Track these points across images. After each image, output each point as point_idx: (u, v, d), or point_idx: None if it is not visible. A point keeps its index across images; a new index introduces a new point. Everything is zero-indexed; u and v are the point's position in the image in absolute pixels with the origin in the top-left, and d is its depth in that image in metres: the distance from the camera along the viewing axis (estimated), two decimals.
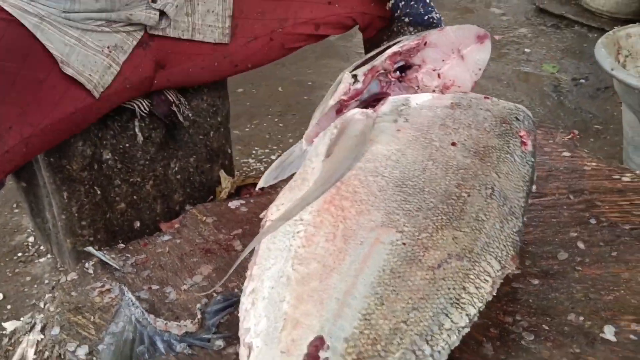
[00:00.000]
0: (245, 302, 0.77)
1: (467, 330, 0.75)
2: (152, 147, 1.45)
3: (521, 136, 0.94)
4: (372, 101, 1.10)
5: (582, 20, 3.25)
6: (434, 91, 1.11)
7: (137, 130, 1.41)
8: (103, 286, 0.97)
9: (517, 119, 0.97)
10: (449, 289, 0.76)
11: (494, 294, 0.79)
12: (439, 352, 0.72)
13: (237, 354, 0.84)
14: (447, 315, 0.74)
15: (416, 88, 1.12)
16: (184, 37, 1.28)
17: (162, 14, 1.21)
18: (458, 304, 0.75)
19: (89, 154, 1.37)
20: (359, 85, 1.08)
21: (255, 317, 0.74)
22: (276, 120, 2.51)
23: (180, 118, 1.43)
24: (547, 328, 0.87)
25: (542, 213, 1.08)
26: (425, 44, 1.11)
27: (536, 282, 0.95)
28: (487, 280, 0.79)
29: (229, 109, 1.64)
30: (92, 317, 0.92)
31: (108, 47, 1.22)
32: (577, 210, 1.08)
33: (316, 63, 2.89)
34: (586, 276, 0.96)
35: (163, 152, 1.48)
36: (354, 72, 1.09)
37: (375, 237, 0.78)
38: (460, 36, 1.11)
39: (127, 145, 1.42)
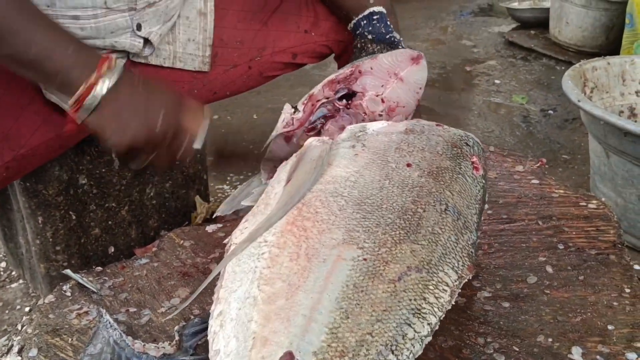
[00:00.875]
0: (213, 324, 0.79)
1: (429, 338, 0.78)
2: (128, 172, 1.47)
3: (473, 162, 0.99)
4: (321, 125, 1.17)
5: (550, 53, 3.34)
6: (380, 115, 1.18)
7: (113, 155, 1.41)
8: (81, 308, 0.98)
9: (467, 144, 1.02)
10: (410, 300, 0.79)
11: (453, 303, 0.83)
12: None
13: None
14: (409, 325, 0.77)
15: (363, 114, 1.18)
16: (165, 65, 1.30)
17: (146, 41, 1.23)
18: (420, 314, 0.78)
19: (65, 179, 1.38)
20: (299, 115, 1.14)
21: (224, 338, 0.76)
22: (251, 147, 2.53)
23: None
24: (517, 349, 0.90)
25: (512, 238, 1.11)
26: (359, 72, 1.17)
27: (507, 304, 0.98)
28: (445, 290, 0.82)
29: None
30: (70, 339, 0.92)
31: None
32: (545, 236, 1.12)
33: (291, 91, 2.92)
34: (555, 299, 0.98)
35: (139, 178, 1.50)
36: (294, 105, 1.15)
37: (337, 254, 0.81)
38: (395, 61, 1.17)
39: (103, 170, 1.43)
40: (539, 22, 3.64)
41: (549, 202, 1.20)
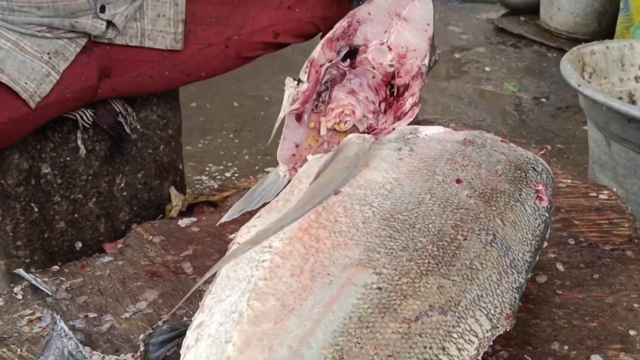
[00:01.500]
0: (189, 336, 0.68)
1: None
2: (95, 161, 1.37)
3: (537, 190, 0.86)
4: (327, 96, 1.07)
5: (541, 40, 3.28)
6: (391, 66, 1.05)
7: (79, 142, 1.33)
8: (33, 314, 0.87)
9: (534, 169, 0.88)
10: (425, 347, 0.65)
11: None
12: None
13: None
14: None
15: (371, 69, 1.06)
16: (132, 44, 1.21)
17: (110, 23, 1.14)
18: None
19: (25, 168, 1.29)
20: (305, 86, 1.03)
21: (195, 356, 0.65)
22: (231, 136, 2.43)
23: (127, 130, 1.35)
24: (529, 359, 0.80)
25: None
26: (357, 21, 1.05)
27: None
28: (472, 342, 0.68)
29: (181, 122, 1.56)
30: (19, 350, 0.82)
31: (48, 53, 1.14)
32: (554, 230, 1.02)
33: (273, 78, 2.82)
34: (568, 301, 0.89)
35: (108, 167, 1.41)
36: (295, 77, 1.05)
37: (348, 277, 0.68)
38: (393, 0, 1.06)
39: (68, 158, 1.34)
40: (529, 8, 3.57)
41: (555, 192, 1.10)
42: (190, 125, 2.38)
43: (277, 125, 1.04)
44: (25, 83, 1.08)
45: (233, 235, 0.81)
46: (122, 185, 1.45)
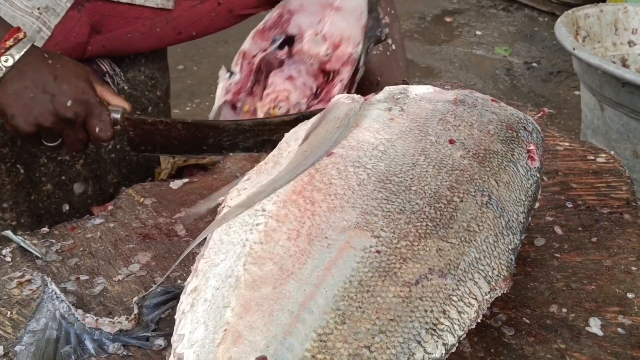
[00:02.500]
0: (184, 302, 0.66)
1: None
2: None
3: (529, 150, 0.84)
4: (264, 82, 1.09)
5: (532, 4, 3.24)
6: (326, 56, 1.06)
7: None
8: (22, 276, 0.85)
9: (525, 129, 0.87)
10: (426, 311, 0.64)
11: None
12: None
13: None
14: (419, 343, 0.63)
15: (309, 59, 1.07)
16: (123, 1, 1.17)
17: None
18: (435, 330, 0.64)
19: None
20: (237, 77, 1.06)
21: (192, 322, 0.63)
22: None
23: (114, 90, 1.31)
24: (527, 321, 0.79)
25: None
26: (289, 11, 1.06)
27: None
28: (471, 305, 0.67)
29: (169, 84, 1.52)
30: (9, 313, 0.80)
31: (38, 9, 1.11)
32: (552, 193, 1.01)
33: None
34: (566, 264, 0.88)
35: None
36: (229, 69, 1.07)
37: (346, 240, 0.67)
38: None
39: None
40: None
41: (553, 155, 1.09)
42: (178, 88, 2.34)
43: (211, 115, 1.08)
44: None
45: (221, 198, 0.79)
46: (110, 147, 1.42)
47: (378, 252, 0.66)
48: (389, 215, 0.70)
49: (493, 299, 0.70)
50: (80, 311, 0.77)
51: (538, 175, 0.83)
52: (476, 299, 0.68)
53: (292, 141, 0.82)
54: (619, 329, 0.78)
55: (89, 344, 0.75)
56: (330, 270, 0.64)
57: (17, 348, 0.74)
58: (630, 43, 2.00)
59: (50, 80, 0.94)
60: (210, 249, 0.69)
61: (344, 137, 0.78)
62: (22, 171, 1.30)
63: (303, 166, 0.75)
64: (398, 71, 1.35)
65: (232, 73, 1.06)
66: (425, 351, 0.62)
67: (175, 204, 1.00)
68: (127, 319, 0.77)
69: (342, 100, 0.85)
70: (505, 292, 0.71)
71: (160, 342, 0.76)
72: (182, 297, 0.67)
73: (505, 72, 2.55)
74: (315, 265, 0.64)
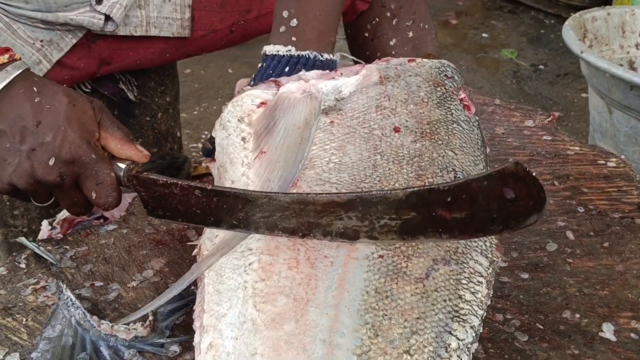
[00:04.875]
0: None
1: (475, 346, 0.65)
2: None
3: (462, 99, 0.83)
4: None
5: (539, 6, 3.22)
6: None
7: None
8: (37, 283, 0.85)
9: (448, 77, 0.85)
10: (444, 300, 0.65)
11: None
12: None
13: None
14: (450, 332, 0.63)
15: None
16: (137, 34, 1.13)
17: (108, 17, 1.07)
18: (459, 316, 0.64)
19: None
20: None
21: None
22: (227, 103, 2.39)
23: (131, 96, 1.30)
24: (541, 327, 0.79)
25: None
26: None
27: (525, 275, 0.87)
28: (480, 283, 0.68)
29: (179, 89, 1.52)
30: (25, 320, 0.80)
31: (41, 41, 1.07)
32: (563, 198, 1.01)
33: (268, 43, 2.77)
34: (578, 269, 0.88)
35: None
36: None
37: (346, 254, 0.66)
38: None
39: None
40: None
41: (564, 160, 1.09)
42: (185, 92, 2.34)
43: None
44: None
45: (195, 251, 0.77)
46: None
47: (381, 256, 0.66)
48: None
49: (495, 272, 0.71)
50: (95, 318, 0.77)
51: (477, 118, 0.82)
52: (482, 276, 0.69)
53: (227, 164, 0.76)
54: (632, 334, 0.78)
55: (105, 351, 0.75)
56: (343, 286, 0.63)
57: (33, 355, 0.74)
58: (638, 46, 2.00)
59: (32, 127, 0.72)
60: (208, 302, 0.67)
61: (306, 157, 0.73)
62: None
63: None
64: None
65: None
66: (458, 339, 0.63)
67: None
68: (142, 325, 0.77)
69: (296, 97, 0.78)
70: (500, 261, 0.72)
71: (175, 348, 0.76)
72: (200, 358, 0.64)
73: (512, 75, 2.55)
74: (328, 286, 0.63)
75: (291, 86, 0.81)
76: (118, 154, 0.78)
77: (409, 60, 0.87)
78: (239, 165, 0.76)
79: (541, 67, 2.64)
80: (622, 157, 1.09)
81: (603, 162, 1.08)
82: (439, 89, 0.83)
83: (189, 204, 0.72)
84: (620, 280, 0.86)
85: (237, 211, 0.69)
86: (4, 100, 0.73)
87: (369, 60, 0.93)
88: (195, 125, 2.24)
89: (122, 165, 0.77)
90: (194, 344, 0.66)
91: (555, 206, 0.99)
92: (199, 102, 2.40)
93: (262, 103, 0.80)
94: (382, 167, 0.74)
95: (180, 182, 0.72)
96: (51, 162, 0.72)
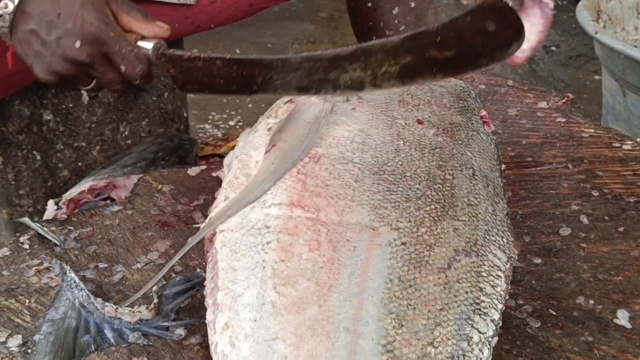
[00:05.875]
0: (219, 341, 0.61)
1: (495, 340, 0.63)
2: (98, 108, 1.35)
3: (482, 116, 0.85)
4: None
5: None
6: None
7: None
8: (41, 264, 0.84)
9: (470, 97, 0.88)
10: (466, 292, 0.63)
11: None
12: None
13: (199, 344, 0.72)
14: (473, 326, 0.62)
15: None
16: None
17: None
18: (480, 309, 0.63)
19: (27, 115, 1.27)
20: None
21: None
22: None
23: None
24: (554, 313, 0.77)
25: (539, 184, 0.98)
26: None
27: (538, 260, 0.85)
28: (499, 277, 0.67)
29: None
30: (28, 301, 0.79)
31: None
32: (577, 181, 0.99)
33: (276, 24, 2.75)
34: (592, 254, 0.86)
35: (111, 115, 1.38)
36: None
37: (369, 239, 0.65)
38: None
39: (70, 105, 1.31)
40: None
41: (578, 142, 1.06)
42: None
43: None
44: None
45: (204, 224, 0.75)
46: (126, 133, 1.42)
47: (404, 244, 0.65)
48: (399, 206, 0.68)
49: (512, 267, 0.70)
50: (99, 300, 0.76)
51: (494, 138, 0.85)
52: (501, 270, 0.68)
53: (251, 151, 0.79)
54: None
55: (109, 333, 0.74)
56: (366, 273, 0.62)
57: (36, 337, 0.73)
58: None
59: (54, 19, 0.82)
60: (223, 279, 0.65)
61: (314, 143, 0.75)
62: (38, 158, 1.30)
63: (280, 171, 0.72)
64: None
65: None
66: (479, 332, 0.62)
67: (193, 191, 0.98)
68: (146, 308, 0.76)
69: (312, 100, 0.82)
70: (516, 258, 0.71)
71: (180, 331, 0.74)
72: (215, 337, 0.62)
73: None
74: (351, 272, 0.62)
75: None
76: (145, 33, 0.85)
77: None
78: (263, 149, 0.78)
79: (553, 48, 2.60)
80: (639, 139, 1.07)
81: (618, 144, 1.06)
82: (461, 101, 0.85)
83: (213, 75, 0.80)
84: (635, 266, 0.84)
85: (255, 76, 0.77)
86: (27, 3, 0.82)
87: (371, 32, 0.97)
88: (202, 105, 2.22)
89: (150, 45, 0.85)
90: (206, 321, 0.65)
91: (569, 190, 0.97)
92: None
93: (290, 100, 0.85)
94: (405, 152, 0.74)
95: (202, 55, 0.81)
96: (77, 44, 0.82)
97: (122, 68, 0.84)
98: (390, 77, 0.68)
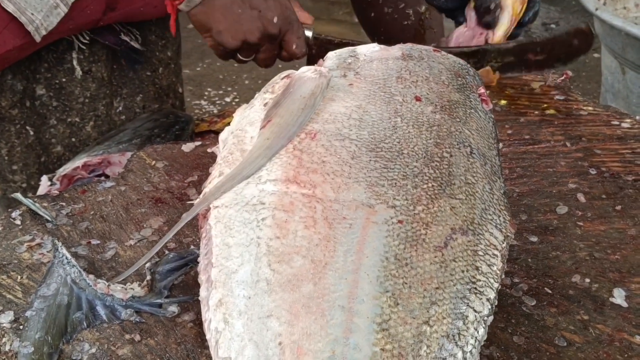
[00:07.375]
0: (212, 318, 0.60)
1: (491, 319, 0.63)
2: (92, 83, 1.33)
3: (480, 94, 0.84)
4: None
5: None
6: None
7: (75, 63, 1.30)
8: (33, 240, 0.83)
9: (469, 74, 0.87)
10: (462, 271, 0.63)
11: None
12: (471, 352, 0.60)
13: (193, 322, 0.72)
14: (468, 305, 0.61)
15: None
16: None
17: None
18: (476, 288, 0.63)
19: (19, 89, 1.25)
20: None
21: (235, 340, 0.58)
22: (231, 60, 2.35)
23: (136, 45, 1.29)
24: (549, 292, 0.77)
25: (537, 162, 0.97)
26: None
27: (534, 239, 0.84)
28: (496, 255, 0.66)
29: (180, 43, 1.49)
30: (19, 277, 0.78)
31: None
32: (575, 159, 0.98)
33: None
34: (589, 233, 0.85)
35: (105, 90, 1.36)
36: None
37: (365, 216, 0.64)
38: None
39: (63, 80, 1.30)
40: None
41: (576, 120, 1.06)
42: (189, 48, 2.30)
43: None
44: (32, 14, 1.07)
45: (198, 200, 0.73)
46: (120, 108, 1.40)
47: (400, 222, 0.64)
48: (396, 183, 0.67)
49: (508, 247, 0.69)
50: (91, 276, 0.76)
51: (492, 116, 0.84)
52: (497, 249, 0.67)
53: (247, 126, 0.78)
54: None
55: (101, 310, 0.73)
56: (362, 251, 0.61)
57: (28, 313, 0.72)
58: None
59: None
60: (217, 255, 0.64)
61: (309, 119, 0.74)
62: (31, 133, 1.29)
63: (276, 147, 0.71)
64: None
65: None
66: (475, 311, 0.61)
67: (187, 167, 0.97)
68: (139, 285, 0.75)
69: (308, 75, 0.80)
70: (512, 237, 0.71)
71: (173, 308, 0.74)
72: (208, 314, 0.61)
73: (522, 34, 2.49)
74: (346, 250, 0.61)
75: (304, 69, 0.83)
76: (303, 20, 1.03)
77: (434, 50, 0.89)
78: (259, 124, 0.76)
79: (552, 25, 2.58)
80: (638, 117, 1.06)
81: (617, 122, 1.05)
82: (459, 79, 0.84)
83: None
84: (632, 245, 0.84)
85: None
86: None
87: (369, 7, 1.16)
88: (198, 81, 2.20)
89: (309, 27, 1.02)
90: (199, 298, 0.64)
91: (566, 168, 0.96)
92: (202, 58, 2.36)
93: (287, 76, 0.83)
94: (402, 130, 0.73)
95: (350, 41, 0.94)
96: (275, 20, 0.96)
97: (294, 46, 0.99)
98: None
